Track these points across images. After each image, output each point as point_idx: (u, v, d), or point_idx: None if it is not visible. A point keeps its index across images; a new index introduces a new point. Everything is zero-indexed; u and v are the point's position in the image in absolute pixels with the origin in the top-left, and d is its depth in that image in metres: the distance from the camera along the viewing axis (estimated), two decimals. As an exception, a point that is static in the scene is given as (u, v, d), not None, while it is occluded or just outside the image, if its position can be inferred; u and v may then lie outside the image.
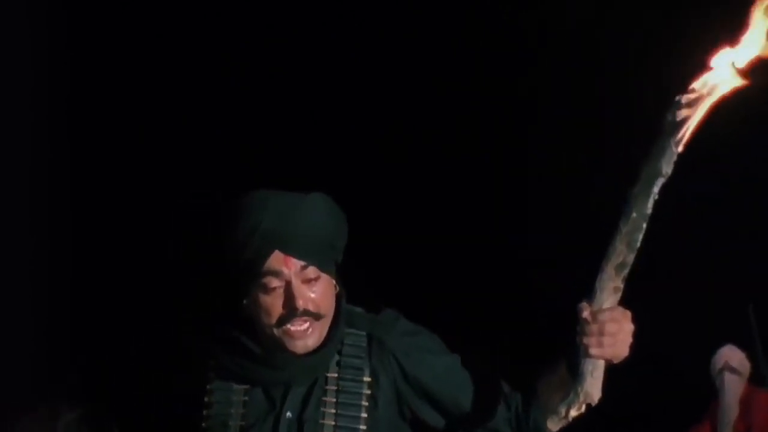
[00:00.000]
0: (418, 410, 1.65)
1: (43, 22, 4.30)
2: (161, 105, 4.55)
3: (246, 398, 1.64)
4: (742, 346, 4.31)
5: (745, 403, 4.30)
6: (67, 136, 4.55)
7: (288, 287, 1.57)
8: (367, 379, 1.62)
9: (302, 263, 1.58)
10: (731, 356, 4.31)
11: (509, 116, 4.55)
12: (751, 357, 4.30)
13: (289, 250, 1.57)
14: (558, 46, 4.27)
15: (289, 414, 1.61)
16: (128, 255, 4.57)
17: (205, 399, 1.65)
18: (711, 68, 1.32)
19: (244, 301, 1.62)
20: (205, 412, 1.64)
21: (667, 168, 1.36)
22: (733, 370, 4.27)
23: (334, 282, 1.64)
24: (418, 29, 4.45)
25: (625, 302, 1.47)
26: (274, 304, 1.57)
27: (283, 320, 1.57)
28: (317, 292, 1.59)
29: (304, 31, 4.53)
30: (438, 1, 4.45)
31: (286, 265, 1.57)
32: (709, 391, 4.39)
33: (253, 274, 1.57)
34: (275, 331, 1.58)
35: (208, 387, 1.66)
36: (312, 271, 1.58)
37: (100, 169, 4.64)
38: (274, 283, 1.57)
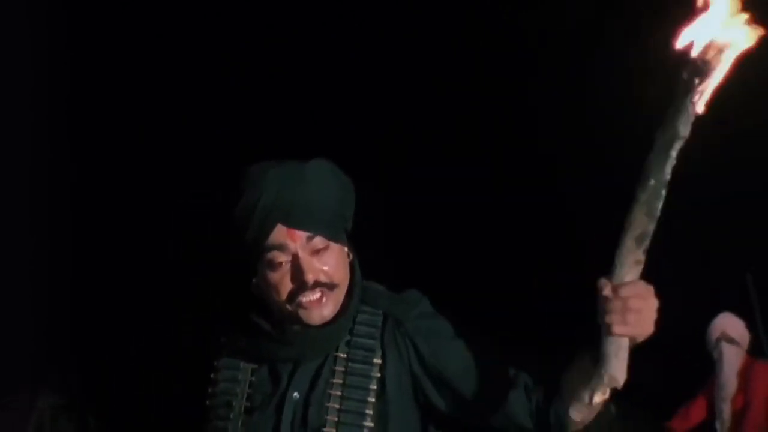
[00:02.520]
0: (433, 396, 1.57)
1: (43, 22, 4.30)
2: (160, 103, 4.56)
3: (253, 378, 1.59)
4: (741, 315, 4.25)
5: (744, 375, 4.24)
6: (67, 134, 4.55)
7: (295, 261, 1.51)
8: (377, 361, 1.55)
9: (307, 234, 1.51)
10: (729, 325, 4.26)
11: (515, 110, 4.59)
12: (751, 326, 4.24)
13: (292, 223, 1.50)
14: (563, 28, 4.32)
15: (296, 395, 1.56)
16: (132, 239, 4.58)
17: (211, 376, 1.61)
18: (725, 22, 1.27)
19: (254, 280, 1.56)
20: (210, 389, 1.60)
21: (685, 130, 1.29)
22: (731, 341, 4.23)
23: (346, 250, 1.58)
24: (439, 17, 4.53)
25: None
26: (283, 279, 1.52)
27: (294, 295, 1.52)
28: (327, 263, 1.53)
29: (312, 26, 4.58)
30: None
31: (290, 239, 1.50)
32: (705, 364, 4.32)
33: (258, 251, 1.52)
34: (288, 306, 1.52)
35: (215, 363, 1.61)
36: (319, 242, 1.52)
37: (100, 165, 4.64)
38: (280, 258, 1.51)
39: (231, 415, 1.57)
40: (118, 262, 4.64)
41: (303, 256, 1.51)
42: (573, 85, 4.34)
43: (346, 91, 4.57)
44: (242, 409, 1.57)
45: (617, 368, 1.35)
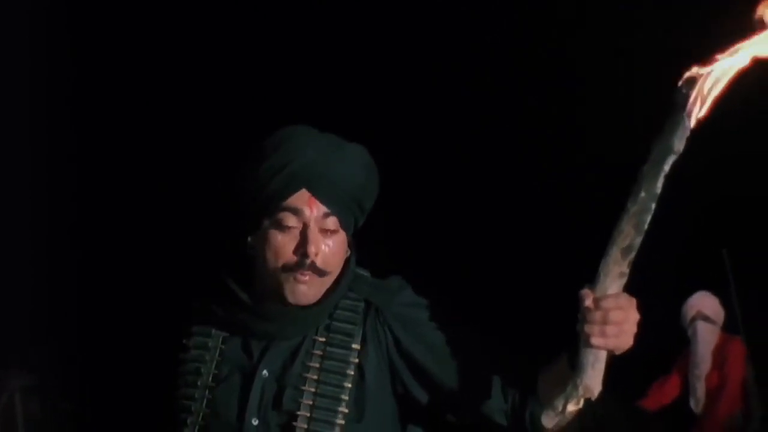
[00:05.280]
0: (411, 387, 1.56)
1: (43, 21, 4.27)
2: (159, 96, 4.51)
3: (223, 346, 1.58)
4: (716, 292, 4.22)
5: (719, 352, 4.24)
6: (69, 125, 4.51)
7: (304, 230, 1.51)
8: (355, 346, 1.55)
9: (325, 210, 1.52)
10: (704, 304, 4.24)
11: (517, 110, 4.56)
12: (725, 304, 4.21)
13: (317, 192, 1.51)
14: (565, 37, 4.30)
15: (265, 372, 1.55)
16: (111, 219, 4.54)
17: (184, 341, 1.60)
18: (732, 42, 1.26)
19: (249, 239, 1.56)
20: (181, 356, 1.59)
21: (680, 144, 1.28)
22: (706, 319, 4.21)
23: (347, 242, 1.59)
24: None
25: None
26: (286, 244, 1.52)
27: (288, 268, 1.51)
28: (331, 246, 1.53)
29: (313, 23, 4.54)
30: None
31: (308, 206, 1.51)
32: (679, 341, 4.29)
33: (272, 208, 1.51)
34: (280, 275, 1.52)
35: (187, 329, 1.60)
36: (332, 222, 1.53)
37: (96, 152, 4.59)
38: (291, 221, 1.51)
39: (199, 383, 1.56)
40: (94, 244, 4.60)
41: (313, 228, 1.52)
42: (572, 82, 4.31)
43: (347, 84, 4.51)
44: (210, 377, 1.56)
45: (593, 379, 1.35)
